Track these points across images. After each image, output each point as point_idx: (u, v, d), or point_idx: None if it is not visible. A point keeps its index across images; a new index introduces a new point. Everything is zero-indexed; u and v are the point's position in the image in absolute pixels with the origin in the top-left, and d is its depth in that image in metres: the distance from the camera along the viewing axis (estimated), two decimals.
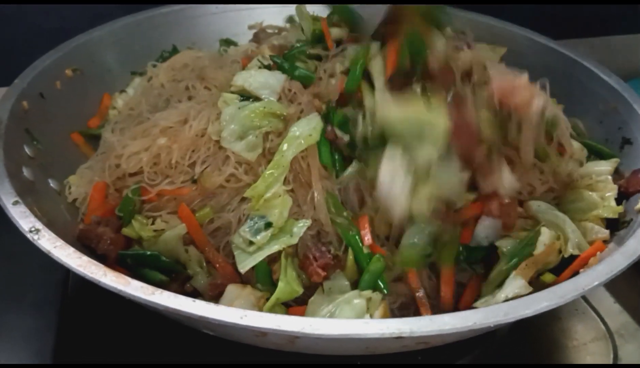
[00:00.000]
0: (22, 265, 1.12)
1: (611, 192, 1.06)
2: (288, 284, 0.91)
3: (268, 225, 0.96)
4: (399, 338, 0.71)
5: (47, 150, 1.12)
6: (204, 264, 0.99)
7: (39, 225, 0.84)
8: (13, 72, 1.17)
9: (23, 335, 1.04)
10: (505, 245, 0.99)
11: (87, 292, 1.06)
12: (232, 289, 0.93)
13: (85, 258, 0.79)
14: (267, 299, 0.91)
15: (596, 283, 0.80)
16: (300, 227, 0.97)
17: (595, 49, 1.41)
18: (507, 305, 0.76)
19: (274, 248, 0.95)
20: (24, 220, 0.85)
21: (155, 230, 1.01)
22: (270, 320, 0.72)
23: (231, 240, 0.98)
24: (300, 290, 0.92)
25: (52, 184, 1.09)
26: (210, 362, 0.99)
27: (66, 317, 1.06)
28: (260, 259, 0.94)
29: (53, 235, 0.82)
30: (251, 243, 0.95)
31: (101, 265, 0.78)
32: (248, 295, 0.92)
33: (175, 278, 0.98)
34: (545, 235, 0.96)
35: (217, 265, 0.98)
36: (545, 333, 1.08)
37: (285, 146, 1.02)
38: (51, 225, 0.86)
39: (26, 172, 1.04)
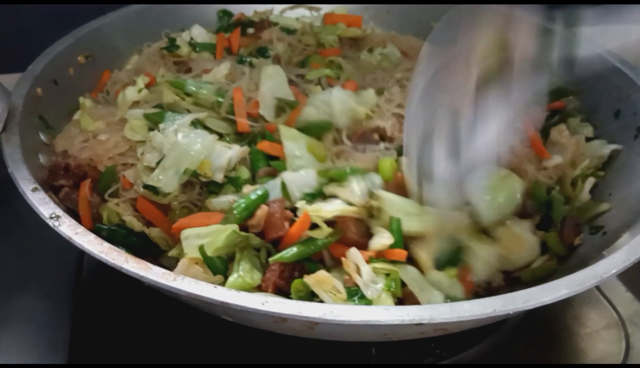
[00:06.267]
0: (35, 256, 1.13)
1: None
2: (239, 277, 0.87)
3: None
4: (418, 325, 0.72)
5: None
6: (170, 242, 0.97)
7: (59, 211, 0.84)
8: (26, 58, 1.16)
9: (37, 325, 1.04)
10: None
11: (100, 281, 1.07)
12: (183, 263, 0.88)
13: (106, 244, 0.79)
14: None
15: (614, 271, 0.81)
16: None
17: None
18: (526, 292, 0.76)
19: None
20: (44, 206, 0.85)
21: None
22: (292, 306, 0.72)
23: None
24: (255, 283, 0.87)
25: None
26: (227, 348, 1.00)
27: (80, 307, 1.06)
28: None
29: (74, 221, 0.83)
30: None
31: (122, 252, 0.78)
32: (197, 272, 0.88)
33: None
34: None
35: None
36: (558, 321, 1.08)
37: None
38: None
39: (42, 159, 1.04)
